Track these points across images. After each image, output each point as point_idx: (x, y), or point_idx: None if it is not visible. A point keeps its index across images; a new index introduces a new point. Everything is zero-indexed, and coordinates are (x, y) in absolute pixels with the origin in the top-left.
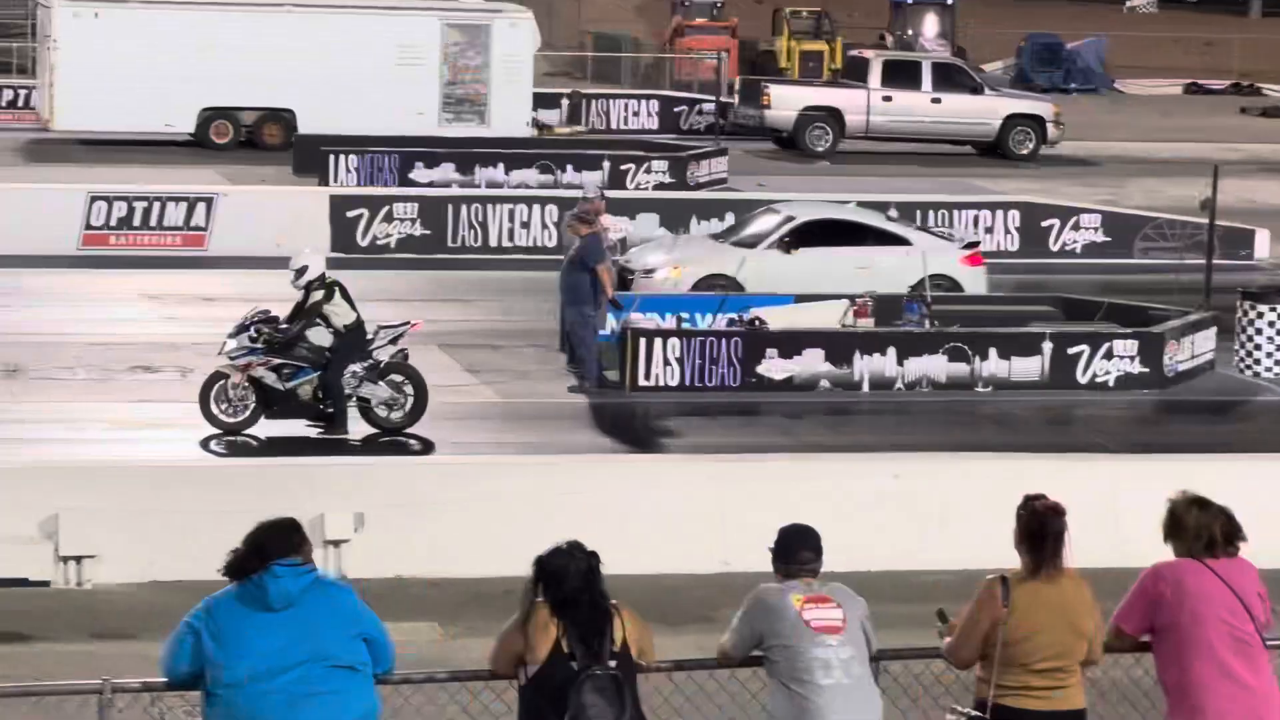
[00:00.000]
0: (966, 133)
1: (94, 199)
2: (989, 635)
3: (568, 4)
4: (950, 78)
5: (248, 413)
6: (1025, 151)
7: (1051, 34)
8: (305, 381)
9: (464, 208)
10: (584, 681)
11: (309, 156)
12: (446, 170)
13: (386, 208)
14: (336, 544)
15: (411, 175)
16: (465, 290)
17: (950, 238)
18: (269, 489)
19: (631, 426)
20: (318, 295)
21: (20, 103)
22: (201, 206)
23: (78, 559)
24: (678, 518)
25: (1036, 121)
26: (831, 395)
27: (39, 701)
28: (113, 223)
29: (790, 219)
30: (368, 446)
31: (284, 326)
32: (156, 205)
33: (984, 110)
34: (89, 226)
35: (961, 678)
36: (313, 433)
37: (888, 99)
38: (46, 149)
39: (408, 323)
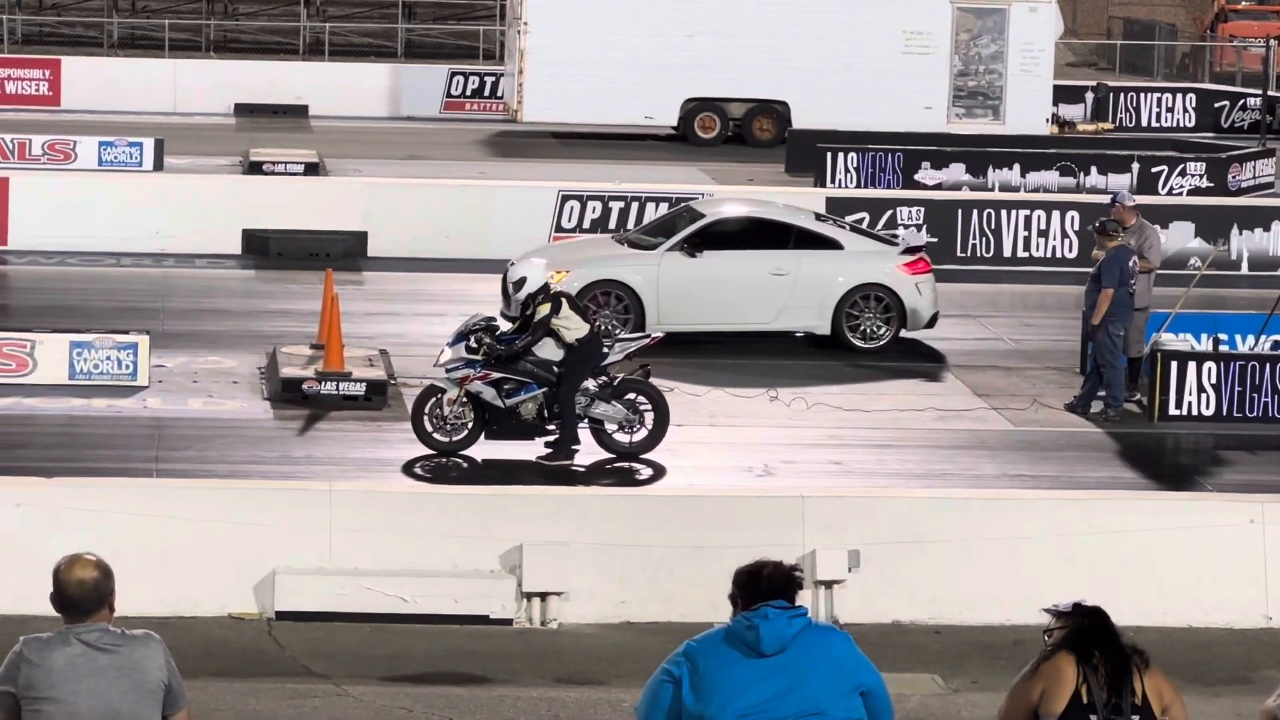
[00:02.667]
0: None
1: (565, 198)
2: None
3: None
4: None
5: (465, 432)
6: None
7: None
8: (529, 399)
9: (974, 213)
10: None
11: (804, 154)
12: (956, 171)
13: (889, 212)
14: (828, 585)
15: (917, 176)
16: (974, 305)
17: (894, 241)
18: (751, 522)
19: (1159, 460)
20: (544, 310)
21: (486, 91)
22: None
23: (543, 596)
24: (1213, 565)
25: None
26: None
27: None
28: (586, 225)
29: (699, 217)
30: (859, 476)
31: (508, 336)
32: (635, 206)
33: None
34: (559, 228)
35: None
36: (531, 456)
37: None
38: (513, 142)
39: (646, 335)
